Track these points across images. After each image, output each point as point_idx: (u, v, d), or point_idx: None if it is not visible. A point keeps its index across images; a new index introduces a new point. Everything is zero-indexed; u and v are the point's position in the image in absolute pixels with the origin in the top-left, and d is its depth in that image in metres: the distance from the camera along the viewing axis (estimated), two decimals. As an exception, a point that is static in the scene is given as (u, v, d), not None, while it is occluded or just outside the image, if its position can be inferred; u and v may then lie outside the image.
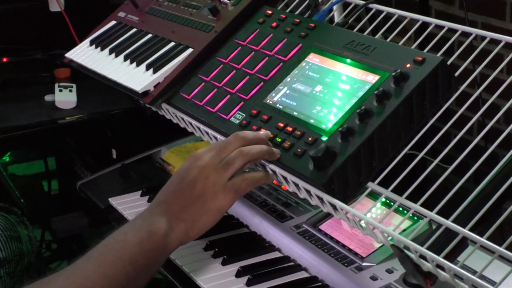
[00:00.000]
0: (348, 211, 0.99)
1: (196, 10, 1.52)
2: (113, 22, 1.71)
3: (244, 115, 1.19)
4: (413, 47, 1.13)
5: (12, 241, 1.63)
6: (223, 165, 1.02)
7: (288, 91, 1.17)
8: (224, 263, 1.26)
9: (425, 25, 1.18)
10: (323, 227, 1.32)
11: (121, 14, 1.72)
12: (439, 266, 0.88)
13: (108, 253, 0.99)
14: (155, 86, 1.39)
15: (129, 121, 1.97)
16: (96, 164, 1.96)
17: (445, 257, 0.88)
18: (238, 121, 1.18)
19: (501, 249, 0.84)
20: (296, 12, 1.39)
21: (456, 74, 1.05)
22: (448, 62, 1.05)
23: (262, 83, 1.22)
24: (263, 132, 1.11)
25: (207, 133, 1.25)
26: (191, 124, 1.30)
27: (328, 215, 1.32)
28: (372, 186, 1.01)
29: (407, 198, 0.98)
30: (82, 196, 1.68)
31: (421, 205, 0.95)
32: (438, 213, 0.93)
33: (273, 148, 1.07)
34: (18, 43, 2.24)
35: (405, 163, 1.01)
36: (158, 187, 1.54)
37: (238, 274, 1.22)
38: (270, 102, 1.18)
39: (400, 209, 1.22)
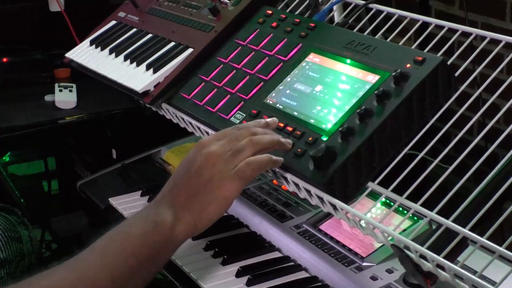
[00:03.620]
0: (348, 211, 0.99)
1: (196, 10, 1.52)
2: (113, 22, 1.71)
3: (244, 115, 1.19)
4: (413, 47, 1.14)
5: (13, 242, 1.63)
6: (232, 153, 0.99)
7: (288, 91, 1.17)
8: (224, 263, 1.25)
9: (425, 25, 1.18)
10: (323, 227, 1.32)
11: (121, 14, 1.72)
12: (439, 266, 0.88)
13: (111, 244, 0.97)
14: (155, 86, 1.39)
15: (129, 121, 1.97)
16: (96, 164, 1.95)
17: (445, 257, 0.88)
18: (238, 121, 1.18)
19: (501, 249, 0.84)
20: (296, 12, 1.39)
21: (456, 74, 1.05)
22: (448, 62, 1.05)
23: (262, 83, 1.22)
24: (270, 120, 1.09)
25: (207, 133, 1.25)
26: (191, 124, 1.30)
27: (328, 215, 1.32)
28: (372, 186, 1.01)
29: (407, 198, 0.98)
30: (82, 196, 1.68)
31: (421, 205, 0.96)
32: (438, 213, 0.93)
33: (283, 139, 1.04)
34: (18, 43, 2.24)
35: (405, 163, 1.01)
36: (158, 187, 1.55)
37: (238, 274, 1.22)
38: (270, 102, 1.18)
39: (400, 209, 1.22)
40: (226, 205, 0.99)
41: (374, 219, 0.98)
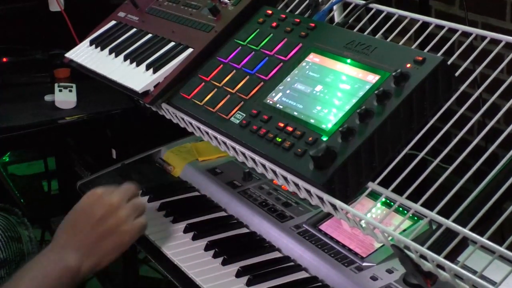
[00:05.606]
0: (348, 211, 0.99)
1: (196, 10, 1.52)
2: (113, 22, 1.71)
3: (244, 115, 1.18)
4: (413, 47, 1.13)
5: (13, 242, 1.62)
6: (133, 206, 1.18)
7: (288, 91, 1.17)
8: (224, 263, 1.25)
9: (425, 25, 1.18)
10: (323, 227, 1.32)
11: (121, 14, 1.72)
12: (439, 266, 0.88)
13: (32, 285, 1.10)
14: (155, 86, 1.39)
15: (129, 121, 1.97)
16: (96, 164, 1.96)
17: (445, 257, 0.88)
18: (238, 121, 1.18)
19: (502, 249, 0.84)
20: (296, 12, 1.39)
21: (456, 74, 1.05)
22: (448, 62, 1.05)
23: (262, 83, 1.22)
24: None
25: (207, 133, 1.25)
26: (191, 124, 1.30)
27: (328, 215, 1.32)
28: (372, 186, 1.01)
29: (407, 198, 0.98)
30: (82, 196, 1.68)
31: (421, 205, 0.95)
32: (438, 213, 0.93)
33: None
34: (18, 43, 2.24)
35: (405, 163, 1.01)
36: (158, 187, 1.56)
37: (238, 274, 1.22)
38: (270, 102, 1.18)
39: (400, 209, 1.22)
40: (124, 250, 1.18)
41: (374, 219, 0.98)
